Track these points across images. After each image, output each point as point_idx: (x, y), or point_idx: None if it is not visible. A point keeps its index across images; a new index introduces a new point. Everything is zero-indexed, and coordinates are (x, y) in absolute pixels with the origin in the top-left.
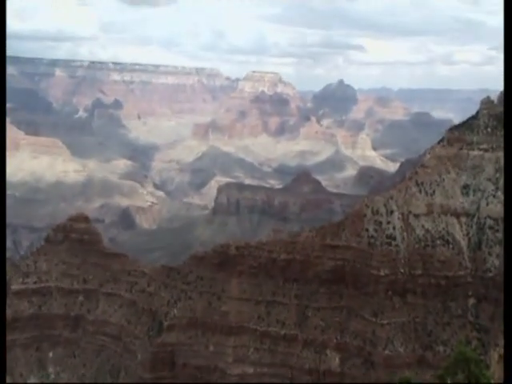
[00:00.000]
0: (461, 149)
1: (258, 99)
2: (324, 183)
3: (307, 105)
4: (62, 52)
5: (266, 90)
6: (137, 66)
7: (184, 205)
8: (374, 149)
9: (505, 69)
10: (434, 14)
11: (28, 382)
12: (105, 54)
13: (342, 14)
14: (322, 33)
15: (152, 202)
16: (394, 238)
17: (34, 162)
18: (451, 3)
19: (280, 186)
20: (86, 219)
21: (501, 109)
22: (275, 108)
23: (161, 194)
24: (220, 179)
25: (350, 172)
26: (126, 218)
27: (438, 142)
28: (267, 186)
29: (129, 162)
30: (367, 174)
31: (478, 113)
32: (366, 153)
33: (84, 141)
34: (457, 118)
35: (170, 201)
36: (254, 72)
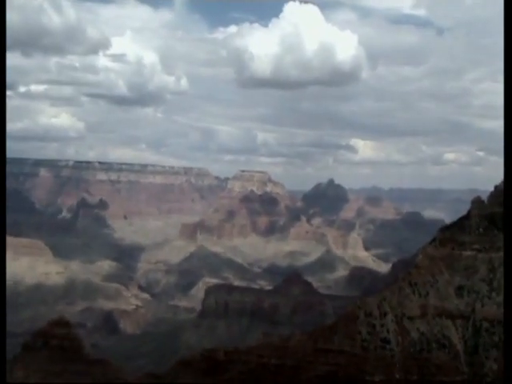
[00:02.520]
0: (453, 249)
1: (247, 198)
2: (315, 284)
3: (297, 204)
4: (48, 152)
5: (255, 189)
6: (124, 166)
7: (170, 308)
8: (366, 249)
9: (505, 84)
10: (422, 117)
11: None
12: (91, 154)
13: (332, 115)
14: (311, 133)
15: (137, 305)
16: (389, 342)
17: (15, 263)
18: (438, 106)
19: (270, 288)
20: (66, 324)
21: (492, 209)
22: (264, 207)
23: (146, 296)
24: (208, 280)
25: (342, 272)
26: (109, 323)
27: (430, 242)
28: (257, 287)
29: (113, 264)
30: (359, 275)
31: (469, 213)
32: (358, 253)
33: (67, 242)
34: (448, 218)
35: (155, 304)
36: (242, 171)
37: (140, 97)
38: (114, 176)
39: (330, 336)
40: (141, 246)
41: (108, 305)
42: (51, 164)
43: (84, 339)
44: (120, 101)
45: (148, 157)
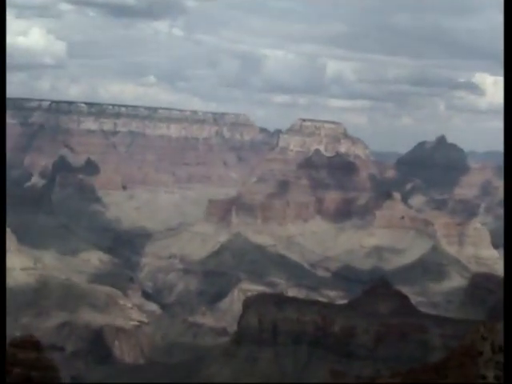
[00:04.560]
0: None
1: (310, 163)
2: (414, 299)
3: (387, 174)
4: (11, 87)
5: (322, 148)
6: (122, 109)
7: (190, 326)
8: (495, 246)
9: (505, 83)
10: None
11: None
12: (75, 91)
13: (444, 34)
14: (411, 63)
15: (139, 321)
16: None
17: None
18: None
19: (343, 302)
20: (36, 345)
21: None
22: (336, 177)
23: (154, 307)
24: (248, 287)
25: (457, 282)
26: (98, 345)
27: None
28: (323, 300)
29: (105, 257)
30: (483, 287)
31: None
32: (482, 252)
33: (39, 222)
34: None
35: (167, 320)
36: (303, 121)
37: (148, 4)
38: (107, 124)
39: (435, 380)
40: (146, 232)
41: (97, 319)
42: (15, 105)
43: (61, 368)
44: (119, 10)
45: (159, 96)
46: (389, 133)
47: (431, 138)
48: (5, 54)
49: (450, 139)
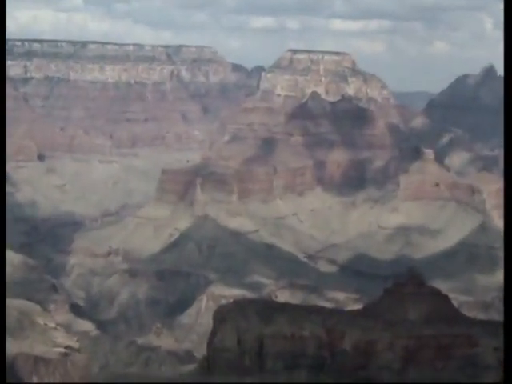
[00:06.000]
0: None
1: (305, 112)
2: (456, 299)
3: (414, 122)
4: None
5: (321, 91)
6: (36, 45)
7: (139, 351)
8: None
9: (505, 83)
10: None
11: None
12: None
13: None
14: None
15: (67, 347)
16: None
17: None
18: None
19: (357, 307)
20: None
21: None
22: (343, 131)
23: (88, 327)
24: (221, 292)
25: None
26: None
27: None
28: (327, 306)
29: (17, 258)
30: None
31: None
32: None
33: None
34: None
35: (107, 343)
36: (294, 52)
37: None
38: (15, 68)
39: None
40: (74, 220)
41: (7, 345)
42: None
43: None
44: None
45: (88, 25)
46: (416, 65)
47: (475, 69)
48: (5, 53)
49: (502, 70)
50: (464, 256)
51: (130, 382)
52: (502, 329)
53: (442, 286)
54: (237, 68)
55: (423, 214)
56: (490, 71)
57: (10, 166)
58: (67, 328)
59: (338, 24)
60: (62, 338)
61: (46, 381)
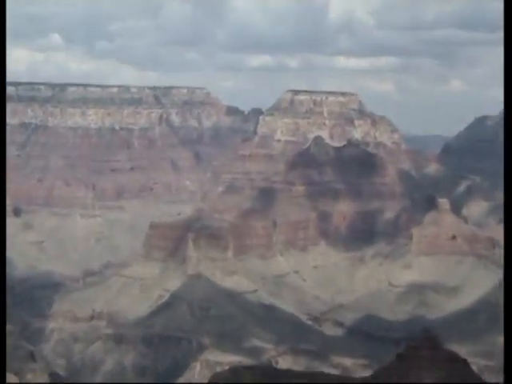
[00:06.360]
0: None
1: (308, 159)
2: (476, 363)
3: (428, 169)
4: None
5: (325, 135)
6: (11, 88)
7: None
8: None
9: (505, 83)
10: None
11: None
12: None
13: None
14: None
15: None
16: None
17: None
18: None
19: (366, 374)
20: None
21: None
22: (349, 180)
23: None
24: (216, 358)
25: None
26: None
27: None
28: (334, 372)
29: None
30: None
31: None
32: None
33: None
34: None
35: None
36: (295, 93)
37: None
38: None
39: None
40: (54, 280)
41: None
42: None
43: None
44: None
45: (69, 65)
46: (429, 105)
47: (494, 110)
48: (5, 56)
49: None
50: (484, 316)
51: None
52: None
53: (460, 349)
54: (232, 111)
55: (438, 270)
56: None
57: None
58: None
59: (342, 61)
60: None
61: None
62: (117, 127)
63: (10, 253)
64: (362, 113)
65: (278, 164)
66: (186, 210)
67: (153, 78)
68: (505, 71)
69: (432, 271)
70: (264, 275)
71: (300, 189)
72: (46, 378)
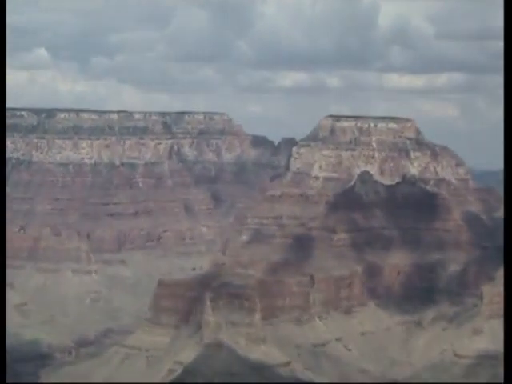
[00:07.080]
0: None
1: (353, 200)
2: None
3: (502, 212)
4: None
5: (374, 170)
6: None
7: None
8: None
9: (505, 83)
10: None
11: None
12: None
13: None
14: None
15: None
16: None
17: None
18: None
19: None
20: None
21: None
22: (405, 226)
23: None
24: None
25: None
26: None
27: None
28: None
29: None
30: None
31: None
32: None
33: None
34: None
35: None
36: (336, 119)
37: None
38: None
39: None
40: (40, 351)
41: None
42: None
43: None
44: None
45: (57, 86)
46: (502, 133)
47: None
48: (5, 56)
49: None
50: None
51: None
52: None
53: None
54: (258, 141)
55: None
56: None
57: None
58: None
59: (394, 80)
60: None
61: None
62: (117, 162)
63: None
64: (419, 143)
65: (315, 206)
66: (203, 264)
67: (161, 102)
68: (505, 72)
69: None
70: (299, 344)
71: (343, 237)
72: None
